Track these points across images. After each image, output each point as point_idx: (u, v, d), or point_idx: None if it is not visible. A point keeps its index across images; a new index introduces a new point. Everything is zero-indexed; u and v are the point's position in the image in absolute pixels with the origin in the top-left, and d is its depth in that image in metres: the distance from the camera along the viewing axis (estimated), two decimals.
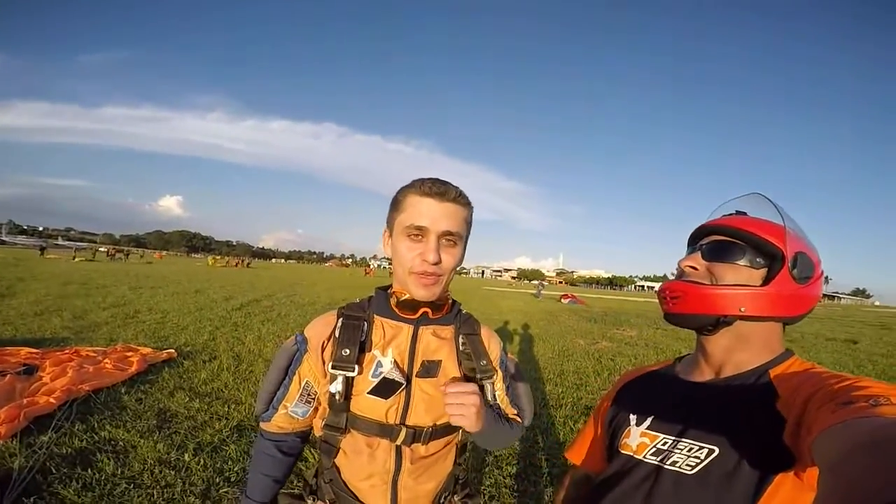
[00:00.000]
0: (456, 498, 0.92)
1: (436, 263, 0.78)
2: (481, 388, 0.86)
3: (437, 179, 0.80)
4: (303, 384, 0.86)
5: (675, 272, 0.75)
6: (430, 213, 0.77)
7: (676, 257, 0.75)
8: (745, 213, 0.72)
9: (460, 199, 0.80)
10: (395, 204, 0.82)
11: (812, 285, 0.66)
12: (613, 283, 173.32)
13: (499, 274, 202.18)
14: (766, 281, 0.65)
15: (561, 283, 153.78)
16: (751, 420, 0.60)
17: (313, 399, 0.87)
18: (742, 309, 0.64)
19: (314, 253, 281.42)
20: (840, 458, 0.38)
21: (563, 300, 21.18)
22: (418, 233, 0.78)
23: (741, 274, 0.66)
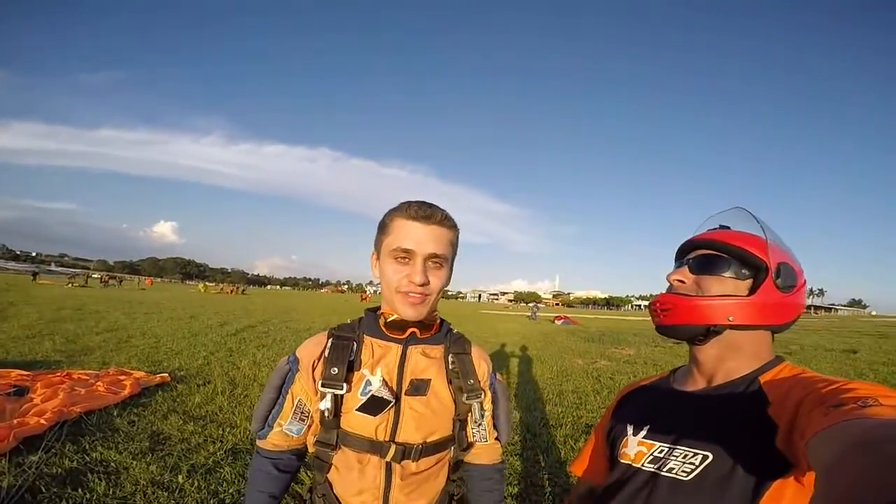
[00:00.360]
0: None
1: (423, 285, 0.80)
2: (469, 407, 0.88)
3: (423, 202, 0.82)
4: (296, 402, 0.87)
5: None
6: (416, 236, 0.79)
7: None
8: (728, 227, 0.75)
9: (446, 221, 0.82)
10: (382, 227, 0.84)
11: (796, 294, 0.69)
12: (610, 303, 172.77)
13: (495, 297, 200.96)
14: (752, 291, 0.67)
15: (558, 304, 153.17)
16: (742, 426, 0.61)
17: (307, 417, 0.88)
18: (730, 318, 0.66)
19: (309, 279, 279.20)
20: (834, 460, 0.39)
21: (556, 321, 21.04)
22: (405, 255, 0.80)
23: (727, 285, 0.69)
